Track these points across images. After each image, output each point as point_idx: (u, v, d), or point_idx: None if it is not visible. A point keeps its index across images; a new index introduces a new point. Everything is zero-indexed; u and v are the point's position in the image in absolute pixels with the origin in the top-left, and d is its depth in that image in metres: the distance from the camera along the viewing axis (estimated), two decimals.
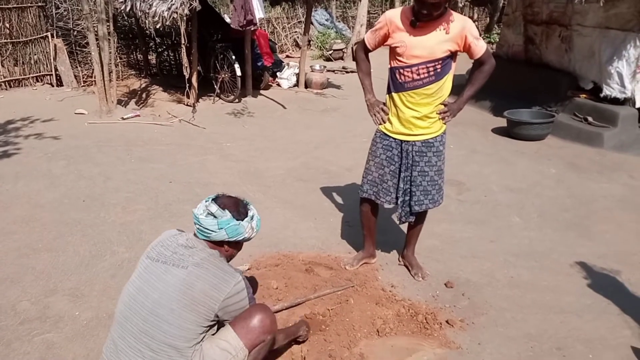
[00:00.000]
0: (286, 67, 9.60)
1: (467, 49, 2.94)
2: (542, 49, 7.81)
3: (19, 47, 8.73)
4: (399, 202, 3.25)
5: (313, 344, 2.69)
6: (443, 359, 2.66)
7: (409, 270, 3.47)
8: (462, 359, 2.67)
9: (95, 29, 7.05)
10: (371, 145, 3.27)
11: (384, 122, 3.17)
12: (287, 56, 12.67)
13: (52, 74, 8.92)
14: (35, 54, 8.87)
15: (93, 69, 7.44)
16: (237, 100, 8.12)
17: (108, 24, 7.21)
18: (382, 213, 3.74)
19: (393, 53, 3.00)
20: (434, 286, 3.34)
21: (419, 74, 2.93)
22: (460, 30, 2.86)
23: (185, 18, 6.74)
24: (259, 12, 7.45)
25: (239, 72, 7.83)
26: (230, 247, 2.23)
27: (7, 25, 8.56)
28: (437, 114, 3.06)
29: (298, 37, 13.74)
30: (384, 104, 3.18)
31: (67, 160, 5.45)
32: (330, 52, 12.77)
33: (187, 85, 7.52)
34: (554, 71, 7.47)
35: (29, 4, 8.71)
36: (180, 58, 9.08)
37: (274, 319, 2.21)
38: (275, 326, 2.22)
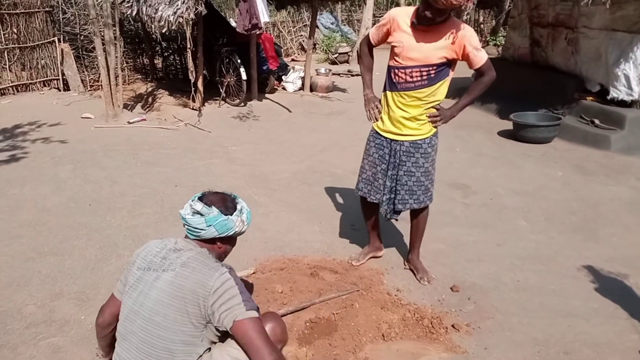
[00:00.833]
0: (291, 70, 9.62)
1: (465, 58, 2.94)
2: (548, 51, 7.78)
3: (27, 52, 8.79)
4: (383, 200, 3.28)
5: (318, 349, 2.68)
6: None
7: (415, 275, 3.46)
8: None
9: (102, 34, 7.10)
10: (366, 144, 3.32)
11: (377, 120, 3.22)
12: (293, 60, 12.71)
13: (59, 79, 8.97)
14: (42, 59, 8.93)
15: (99, 74, 7.48)
16: (242, 104, 8.14)
17: (114, 28, 7.25)
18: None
19: (392, 52, 3.04)
20: (439, 290, 3.32)
21: (411, 77, 2.96)
22: (460, 39, 2.86)
23: (191, 22, 6.77)
24: (264, 16, 7.47)
25: (244, 76, 7.86)
26: (223, 244, 2.18)
27: (15, 30, 8.63)
28: (427, 117, 3.08)
29: (303, 41, 13.77)
30: (380, 101, 3.21)
31: (73, 164, 5.48)
32: (336, 55, 12.79)
33: (193, 89, 7.55)
34: (560, 74, 7.45)
35: (37, 10, 8.78)
36: (186, 62, 9.12)
37: (284, 328, 2.20)
38: (286, 335, 2.21)
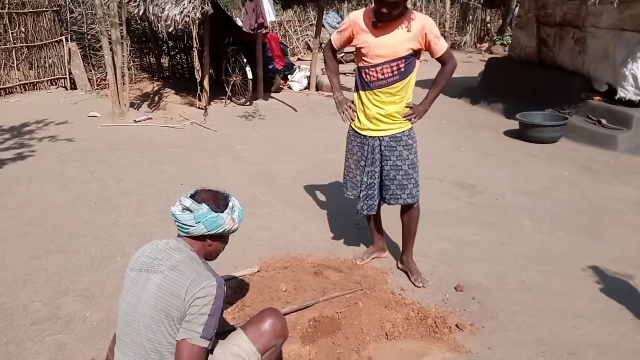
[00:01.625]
0: (297, 69, 9.62)
1: (427, 47, 3.01)
2: (555, 50, 7.74)
3: (34, 51, 8.86)
4: (360, 196, 3.31)
5: (321, 347, 2.68)
6: None
7: (409, 277, 3.42)
8: None
9: (109, 33, 7.13)
10: (347, 144, 3.38)
11: (353, 119, 3.26)
12: (299, 59, 12.72)
13: (66, 77, 9.04)
14: (49, 58, 9.00)
15: (106, 73, 7.53)
16: (248, 103, 8.16)
17: (121, 27, 7.29)
18: (390, 217, 3.72)
19: (359, 53, 3.10)
20: (443, 290, 3.32)
21: (383, 74, 3.02)
22: (421, 29, 2.93)
23: (197, 21, 6.80)
24: (270, 15, 7.49)
25: (250, 75, 7.87)
26: (213, 241, 2.14)
27: (23, 29, 8.70)
28: (402, 116, 3.13)
29: (309, 40, 13.77)
30: (353, 102, 3.26)
31: (80, 163, 5.51)
32: (342, 54, 12.77)
33: (199, 88, 7.58)
34: (567, 73, 7.40)
35: (44, 9, 8.84)
36: (192, 61, 9.14)
37: (285, 323, 2.19)
38: (286, 330, 2.20)
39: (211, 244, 2.15)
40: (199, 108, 7.82)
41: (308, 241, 3.93)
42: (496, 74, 8.55)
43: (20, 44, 8.69)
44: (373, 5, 2.94)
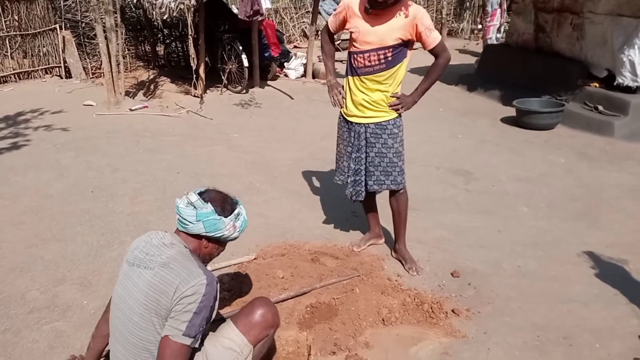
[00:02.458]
0: (293, 57, 9.56)
1: (419, 39, 3.00)
2: (552, 37, 7.70)
3: (28, 40, 8.78)
4: (348, 182, 3.35)
5: (319, 333, 2.70)
6: (448, 348, 2.66)
7: (403, 265, 3.42)
8: (468, 348, 2.67)
9: (103, 21, 7.07)
10: (337, 130, 3.40)
11: (342, 105, 3.29)
12: (295, 46, 12.63)
13: (60, 66, 8.97)
14: (44, 46, 8.92)
15: (101, 61, 7.46)
16: (244, 91, 8.11)
17: (116, 15, 7.21)
18: (387, 204, 3.72)
19: (350, 38, 3.13)
20: (440, 276, 3.33)
21: (370, 61, 3.04)
22: (412, 20, 2.92)
23: (192, 9, 6.74)
24: (265, 2, 7.44)
25: (246, 63, 7.82)
26: (209, 243, 2.09)
27: (16, 17, 8.61)
28: (389, 106, 3.13)
29: (306, 28, 13.68)
30: (343, 87, 3.29)
31: (75, 152, 5.49)
32: (338, 42, 12.66)
33: (195, 76, 7.53)
34: (564, 60, 7.37)
35: None
36: (187, 49, 9.08)
37: (276, 312, 2.15)
38: (277, 319, 2.16)
39: (207, 246, 2.10)
40: (194, 96, 7.78)
41: (305, 229, 3.94)
42: (493, 60, 8.52)
43: (14, 33, 8.61)
44: None
